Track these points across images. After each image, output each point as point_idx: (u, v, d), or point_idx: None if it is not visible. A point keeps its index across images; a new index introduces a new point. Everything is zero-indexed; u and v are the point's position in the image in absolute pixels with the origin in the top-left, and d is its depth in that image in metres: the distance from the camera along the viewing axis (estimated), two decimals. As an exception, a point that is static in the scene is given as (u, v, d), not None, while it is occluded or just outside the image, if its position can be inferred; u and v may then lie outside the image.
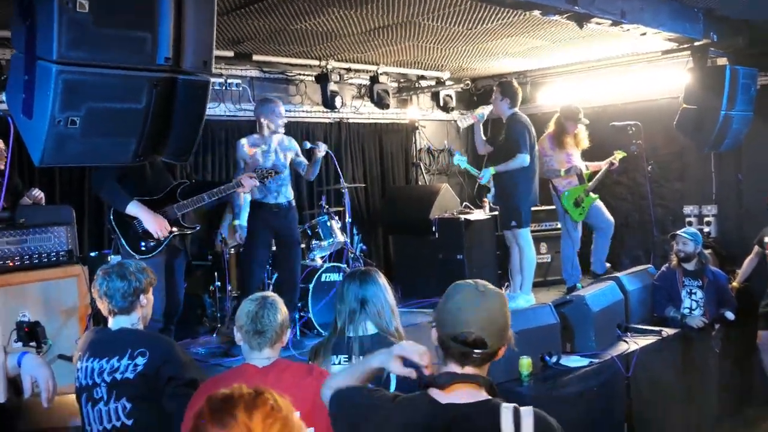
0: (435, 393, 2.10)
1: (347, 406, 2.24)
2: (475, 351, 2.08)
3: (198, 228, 5.39)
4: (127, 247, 4.82)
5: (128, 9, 2.96)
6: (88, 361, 3.07)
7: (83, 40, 2.81)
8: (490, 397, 2.10)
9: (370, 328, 3.21)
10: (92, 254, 5.78)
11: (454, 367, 2.12)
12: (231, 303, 6.86)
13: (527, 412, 1.98)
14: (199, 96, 3.29)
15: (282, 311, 2.89)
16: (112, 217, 4.87)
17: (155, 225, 4.86)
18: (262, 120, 6.07)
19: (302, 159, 6.30)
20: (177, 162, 3.59)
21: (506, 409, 1.99)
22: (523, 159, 6.75)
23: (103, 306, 3.17)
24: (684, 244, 6.20)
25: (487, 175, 6.99)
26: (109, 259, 5.31)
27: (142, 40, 3.01)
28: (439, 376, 2.11)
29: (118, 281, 3.11)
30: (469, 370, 2.11)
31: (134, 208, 4.83)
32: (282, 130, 6.12)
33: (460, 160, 7.30)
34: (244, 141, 6.08)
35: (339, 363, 3.10)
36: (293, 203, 6.25)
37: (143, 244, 4.89)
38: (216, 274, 6.69)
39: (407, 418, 2.09)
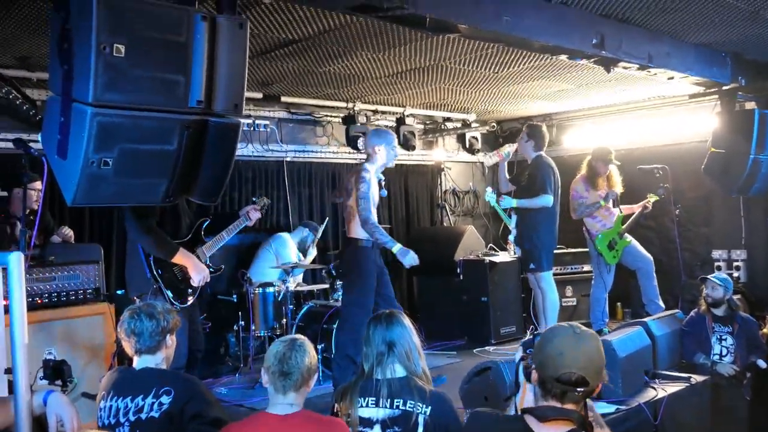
0: (531, 421, 2.32)
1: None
2: (577, 390, 2.29)
3: (223, 269, 5.40)
4: (171, 298, 4.70)
5: (162, 53, 3.01)
6: (111, 400, 3.06)
7: (118, 83, 2.87)
8: (576, 428, 2.28)
9: (399, 371, 3.18)
10: (119, 292, 5.81)
11: (553, 403, 2.33)
12: (255, 342, 6.87)
13: None
14: (230, 138, 3.33)
15: (311, 355, 2.86)
16: (153, 265, 4.73)
17: (199, 275, 4.79)
18: (381, 151, 5.73)
19: None
20: (206, 203, 3.61)
21: None
22: (548, 199, 6.73)
23: (128, 345, 3.17)
24: (713, 288, 6.10)
25: (507, 203, 6.94)
26: (135, 299, 5.33)
27: (175, 83, 3.06)
28: (539, 408, 2.34)
29: (147, 320, 3.12)
30: (568, 406, 2.32)
31: (181, 257, 4.71)
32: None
33: (491, 197, 7.27)
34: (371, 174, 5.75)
35: (366, 405, 3.07)
36: None
37: (184, 292, 4.83)
38: (240, 312, 6.69)
39: None
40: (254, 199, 5.67)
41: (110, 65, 2.84)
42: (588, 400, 2.41)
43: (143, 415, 2.98)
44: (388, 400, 3.09)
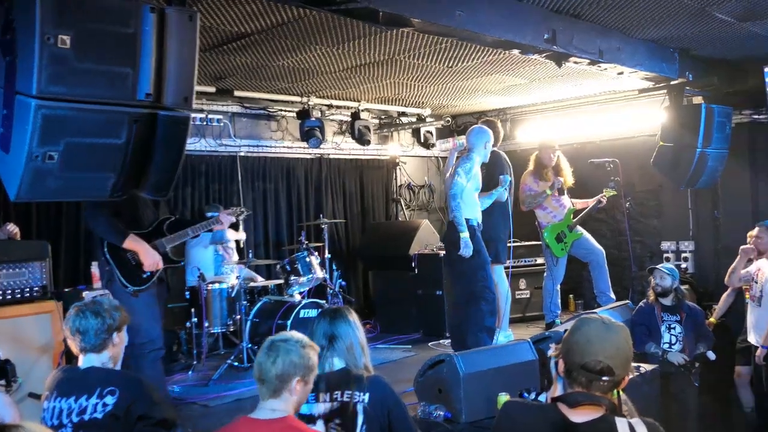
0: (563, 408, 2.32)
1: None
2: (603, 378, 2.28)
3: (183, 262, 5.36)
4: (123, 280, 4.74)
5: (110, 45, 2.96)
6: (55, 401, 2.98)
7: (64, 75, 2.81)
8: (607, 413, 2.29)
9: (337, 364, 3.19)
10: (67, 290, 5.69)
11: (580, 390, 2.33)
12: (208, 339, 6.80)
13: (639, 423, 2.27)
14: (180, 132, 3.28)
15: (290, 359, 2.69)
16: (106, 250, 4.76)
17: (150, 259, 4.80)
18: (485, 147, 6.29)
19: None
20: (157, 197, 3.56)
21: (621, 422, 2.26)
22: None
23: (73, 344, 3.09)
24: (662, 278, 6.23)
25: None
26: (83, 296, 5.23)
27: (123, 76, 3.01)
28: (569, 394, 2.34)
29: (93, 318, 3.04)
30: (596, 394, 2.32)
31: (131, 242, 4.75)
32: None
33: None
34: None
35: (307, 402, 3.05)
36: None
37: (137, 276, 4.82)
38: (193, 309, 6.62)
39: (538, 422, 2.37)
40: (233, 209, 5.79)
41: (55, 57, 2.79)
42: (623, 393, 2.42)
43: (86, 416, 2.90)
44: (328, 393, 3.10)
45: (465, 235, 5.91)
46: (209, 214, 6.94)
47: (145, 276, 4.82)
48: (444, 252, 6.38)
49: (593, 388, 2.31)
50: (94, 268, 5.83)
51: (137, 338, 4.60)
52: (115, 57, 2.96)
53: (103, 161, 3.08)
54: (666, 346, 6.15)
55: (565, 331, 2.53)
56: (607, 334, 2.34)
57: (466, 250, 5.94)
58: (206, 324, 6.64)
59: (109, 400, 2.93)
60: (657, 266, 6.36)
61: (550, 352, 2.56)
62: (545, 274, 7.60)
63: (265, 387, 2.69)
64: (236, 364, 6.42)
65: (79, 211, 6.57)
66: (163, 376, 4.99)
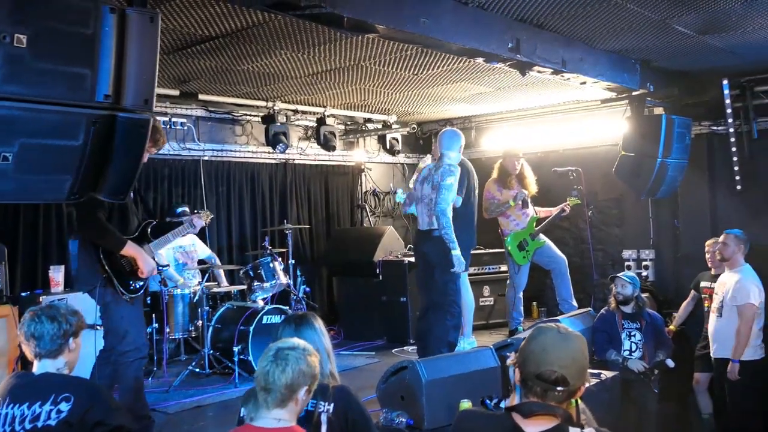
0: (517, 417, 2.31)
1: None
2: (557, 388, 2.27)
3: (169, 266, 5.26)
4: (120, 287, 4.60)
5: (68, 44, 2.91)
6: (7, 407, 2.91)
7: (19, 74, 2.76)
8: (561, 423, 2.28)
9: None
10: (24, 294, 5.58)
11: (535, 400, 2.32)
12: (169, 345, 6.71)
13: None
14: (140, 134, 3.24)
15: (298, 367, 2.64)
16: (102, 256, 4.59)
17: (148, 266, 4.70)
18: (459, 151, 6.16)
19: None
20: (114, 200, 3.50)
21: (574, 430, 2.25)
22: (457, 200, 6.84)
23: (28, 349, 3.02)
24: (623, 286, 6.31)
25: (399, 196, 7.33)
26: (40, 301, 5.13)
27: (81, 77, 2.96)
28: (524, 404, 2.33)
29: (48, 323, 2.98)
30: (551, 402, 2.31)
31: (130, 249, 4.62)
32: None
33: (401, 198, 7.34)
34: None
35: None
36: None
37: (132, 283, 4.70)
38: (153, 315, 6.53)
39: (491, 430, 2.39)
40: (197, 210, 5.70)
41: (11, 56, 2.73)
42: (581, 402, 2.39)
43: (39, 423, 2.84)
44: None
45: (457, 252, 5.86)
46: (178, 210, 6.91)
47: (139, 283, 4.74)
48: (414, 260, 6.32)
49: (548, 398, 2.29)
50: (53, 272, 5.73)
51: (123, 345, 4.57)
52: (74, 57, 2.91)
53: (60, 163, 3.02)
54: (626, 353, 6.22)
55: (514, 340, 2.53)
56: (563, 344, 2.32)
57: (460, 266, 5.91)
58: (167, 330, 6.56)
59: (64, 406, 2.87)
60: (618, 275, 6.44)
61: (509, 361, 2.54)
62: (508, 282, 7.64)
63: (270, 396, 2.61)
64: (198, 370, 6.35)
65: (38, 214, 6.45)
66: (143, 387, 4.88)
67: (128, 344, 4.56)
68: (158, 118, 6.97)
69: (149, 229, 4.96)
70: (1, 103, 2.72)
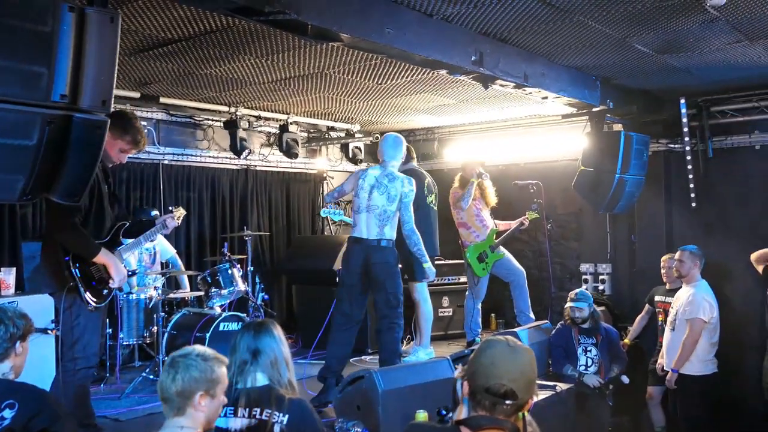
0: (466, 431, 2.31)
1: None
2: (506, 402, 2.27)
3: (137, 271, 5.13)
4: (87, 296, 4.44)
5: (24, 42, 2.86)
6: None
7: (-29, 71, 2.69)
8: None
9: (260, 380, 3.12)
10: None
11: (483, 414, 2.31)
12: (123, 351, 6.60)
13: None
14: (96, 135, 3.18)
15: (190, 374, 2.61)
16: (71, 262, 4.44)
17: (119, 275, 4.58)
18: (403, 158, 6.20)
19: None
20: (68, 202, 3.42)
21: None
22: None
23: (-28, 352, 2.95)
24: (580, 311, 6.36)
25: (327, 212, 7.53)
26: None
27: (37, 75, 2.91)
28: (472, 417, 2.32)
29: (-7, 325, 2.91)
30: (499, 414, 2.32)
31: (102, 257, 4.49)
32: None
33: (332, 214, 7.44)
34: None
35: (224, 415, 2.98)
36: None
37: (98, 291, 4.56)
38: (108, 320, 6.40)
39: None
40: (170, 208, 5.51)
41: (-37, 52, 2.66)
42: (528, 415, 2.38)
43: None
44: (246, 409, 3.03)
45: (428, 264, 5.95)
46: (152, 213, 6.78)
47: (105, 291, 4.61)
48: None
49: (497, 412, 2.30)
50: (3, 275, 5.59)
51: (73, 351, 4.41)
52: (30, 55, 2.86)
53: (12, 163, 2.95)
54: (582, 368, 6.29)
55: (471, 351, 2.53)
56: (512, 357, 2.33)
57: (432, 276, 6.09)
58: (121, 335, 6.44)
59: (7, 413, 2.80)
60: (572, 304, 6.42)
61: (456, 374, 2.54)
62: (467, 293, 7.68)
63: (168, 405, 2.61)
64: (151, 377, 6.24)
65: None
66: (88, 395, 4.72)
67: (78, 351, 4.43)
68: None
69: (121, 232, 4.85)
70: (-48, 99, 2.65)
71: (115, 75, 3.20)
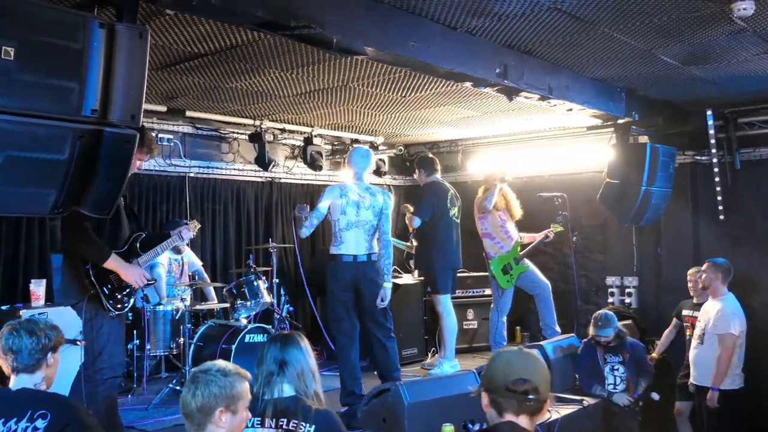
0: None
1: None
2: (530, 397, 2.30)
3: (156, 281, 5.22)
4: (107, 303, 4.54)
5: (56, 58, 2.90)
6: None
7: (5, 87, 2.75)
8: None
9: (287, 390, 3.13)
10: (4, 308, 5.50)
11: (510, 417, 2.34)
12: (150, 362, 6.65)
13: None
14: (125, 149, 3.22)
15: (209, 390, 2.60)
16: (91, 271, 4.54)
17: (132, 276, 4.64)
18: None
19: None
20: (98, 216, 3.47)
21: None
22: (414, 221, 6.90)
23: (5, 363, 2.99)
24: (605, 335, 6.28)
25: None
26: (20, 315, 5.07)
27: (68, 90, 2.95)
28: (501, 424, 2.35)
29: (27, 337, 2.95)
30: (523, 420, 2.33)
31: (112, 262, 4.56)
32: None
33: None
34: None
35: (252, 426, 2.99)
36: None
37: (116, 298, 4.64)
38: (135, 331, 6.47)
39: None
40: (185, 221, 5.62)
41: (-3, 68, 2.72)
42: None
43: None
44: (273, 420, 3.04)
45: (390, 285, 5.75)
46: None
47: (124, 298, 4.68)
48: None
49: (522, 410, 2.33)
50: (33, 286, 5.66)
51: (99, 362, 4.49)
52: (61, 71, 2.91)
53: (44, 177, 3.00)
54: (611, 387, 6.23)
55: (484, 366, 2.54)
56: (526, 357, 2.41)
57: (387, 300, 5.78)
58: (148, 346, 6.50)
59: (40, 423, 2.83)
60: (595, 327, 6.31)
61: (472, 393, 2.56)
62: (491, 306, 7.64)
63: (189, 421, 2.61)
64: (178, 388, 6.27)
65: (20, 227, 6.40)
66: (116, 405, 4.78)
67: (103, 362, 4.50)
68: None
69: (138, 243, 4.91)
70: (-13, 115, 2.71)
71: (144, 89, 3.24)
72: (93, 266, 4.56)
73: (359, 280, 5.65)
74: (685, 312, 6.83)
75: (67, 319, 5.02)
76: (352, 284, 5.66)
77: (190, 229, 5.29)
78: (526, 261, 7.52)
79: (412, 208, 7.32)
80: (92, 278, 4.53)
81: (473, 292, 8.42)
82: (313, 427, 3.03)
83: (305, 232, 5.80)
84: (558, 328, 7.51)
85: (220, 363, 2.73)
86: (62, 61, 2.90)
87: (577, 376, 6.45)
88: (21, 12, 2.77)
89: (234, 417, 2.65)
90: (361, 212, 5.70)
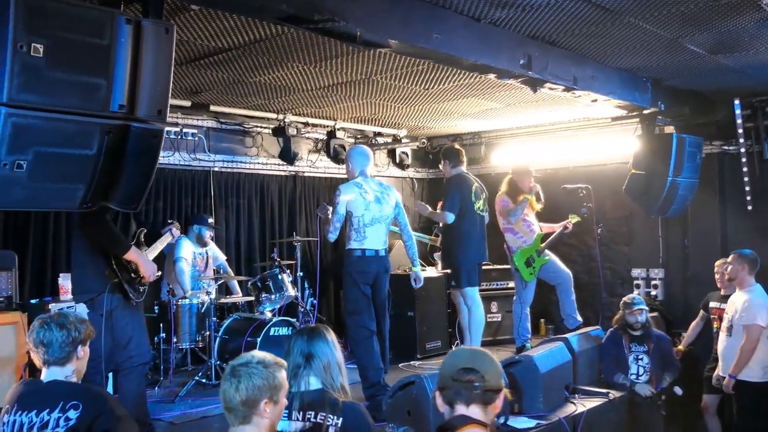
0: None
1: None
2: (476, 384, 2.36)
3: (160, 274, 5.36)
4: (131, 291, 4.70)
5: (84, 55, 2.93)
6: (15, 414, 2.92)
7: (35, 83, 2.78)
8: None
9: (314, 383, 3.15)
10: (33, 301, 5.60)
11: (462, 410, 2.39)
12: (176, 355, 6.72)
13: None
14: (153, 145, 3.26)
15: (252, 382, 2.60)
16: (113, 262, 4.67)
17: (149, 270, 4.81)
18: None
19: None
20: (126, 210, 3.51)
21: None
22: (447, 216, 6.85)
23: (37, 356, 3.04)
24: (640, 314, 6.26)
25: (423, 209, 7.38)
26: (49, 308, 5.15)
27: (96, 87, 2.98)
28: (448, 420, 2.41)
29: (57, 330, 2.99)
30: (474, 410, 2.38)
31: (132, 253, 4.70)
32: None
33: None
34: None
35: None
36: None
37: (136, 287, 4.80)
38: (161, 324, 6.53)
39: None
40: (170, 221, 6.29)
41: (27, 65, 2.76)
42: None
43: (47, 431, 2.85)
44: (300, 412, 3.06)
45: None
46: (194, 226, 7.07)
47: (142, 288, 4.85)
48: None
49: (472, 400, 2.39)
50: (62, 280, 5.75)
51: (127, 350, 4.63)
52: (89, 67, 2.94)
53: (73, 172, 3.04)
54: (633, 376, 6.20)
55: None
56: (473, 351, 2.55)
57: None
58: (174, 339, 6.56)
59: (72, 414, 2.88)
60: (635, 303, 6.33)
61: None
62: (514, 298, 7.62)
63: (233, 415, 2.61)
64: (204, 380, 6.34)
65: (47, 222, 6.48)
66: (146, 394, 4.93)
67: (132, 350, 4.62)
68: (169, 128, 7.03)
69: (142, 237, 5.12)
70: (18, 111, 2.74)
71: (171, 85, 3.26)
72: (115, 257, 4.67)
73: (380, 273, 5.75)
74: (712, 304, 6.75)
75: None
76: (375, 278, 5.73)
77: (176, 228, 6.08)
78: (548, 252, 7.48)
79: (429, 208, 7.32)
80: (113, 267, 4.63)
81: (497, 284, 8.40)
82: (341, 419, 3.04)
83: (332, 236, 5.82)
84: (579, 317, 7.46)
85: (258, 354, 2.73)
86: (90, 57, 2.93)
87: (600, 368, 6.42)
88: (49, 10, 2.80)
89: (276, 407, 2.67)
90: (383, 207, 5.75)
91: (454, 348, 2.60)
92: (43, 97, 2.82)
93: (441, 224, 7.18)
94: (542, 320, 8.78)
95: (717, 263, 6.76)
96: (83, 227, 4.62)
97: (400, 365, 7.41)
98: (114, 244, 4.63)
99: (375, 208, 5.70)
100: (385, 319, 5.93)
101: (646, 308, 6.29)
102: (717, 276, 6.71)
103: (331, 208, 5.80)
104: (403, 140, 9.49)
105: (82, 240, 4.71)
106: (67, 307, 5.23)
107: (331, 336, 3.29)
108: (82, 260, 4.74)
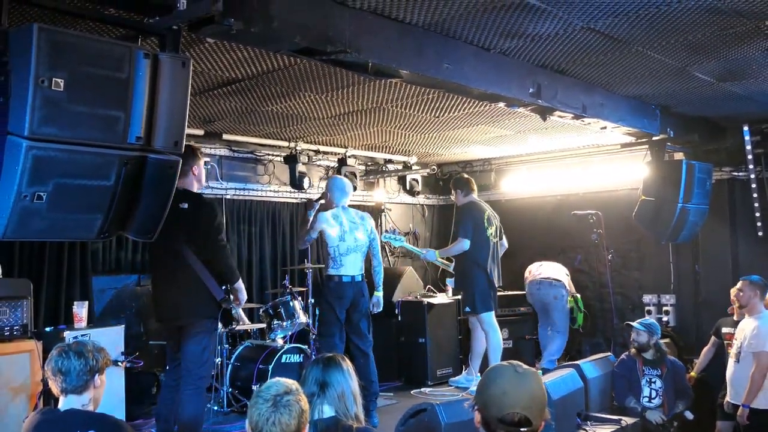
0: None
1: None
2: (521, 430, 2.29)
3: None
4: (245, 317, 5.06)
5: (103, 88, 3.00)
6: None
7: (56, 117, 2.84)
8: None
9: (327, 411, 3.17)
10: (48, 329, 5.64)
11: None
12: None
13: None
14: (169, 175, 3.31)
15: (300, 407, 2.59)
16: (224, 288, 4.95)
17: (244, 296, 5.08)
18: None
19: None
20: (143, 239, 3.56)
21: None
22: (463, 244, 6.94)
23: (54, 384, 3.07)
24: (638, 334, 6.27)
25: (431, 255, 7.52)
26: (63, 336, 5.19)
27: (114, 119, 3.04)
28: None
29: (75, 359, 3.03)
30: None
31: (241, 283, 5.04)
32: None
33: (393, 239, 7.59)
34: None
35: None
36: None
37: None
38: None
39: None
40: None
41: (48, 99, 2.81)
42: None
43: None
44: None
45: (381, 293, 6.48)
46: None
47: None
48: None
49: None
50: (76, 308, 5.80)
51: (202, 371, 4.82)
52: (108, 100, 3.00)
53: (92, 202, 3.09)
54: (645, 400, 6.17)
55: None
56: (521, 382, 2.36)
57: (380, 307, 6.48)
58: (186, 367, 6.57)
59: None
60: (633, 323, 6.40)
61: (466, 403, 2.57)
62: (550, 328, 7.79)
63: None
64: (216, 408, 6.36)
65: (62, 250, 6.53)
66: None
67: (206, 371, 4.85)
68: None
69: None
70: (39, 144, 2.80)
71: (187, 116, 3.33)
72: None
73: (357, 296, 6.23)
74: (724, 330, 6.72)
75: (108, 340, 5.16)
76: (351, 302, 6.22)
77: None
78: None
79: (436, 252, 7.60)
80: (229, 297, 4.93)
81: (509, 310, 8.39)
82: None
83: (301, 246, 6.70)
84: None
85: (289, 382, 2.70)
86: (109, 90, 3.00)
87: (613, 394, 6.39)
88: (71, 45, 2.87)
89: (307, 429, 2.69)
90: (357, 237, 6.27)
91: (497, 365, 2.46)
92: (63, 130, 2.87)
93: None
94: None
95: (732, 291, 6.74)
96: (205, 254, 4.84)
97: (411, 392, 7.40)
98: (232, 272, 4.95)
99: (350, 238, 6.24)
100: (366, 338, 6.27)
101: (647, 331, 6.26)
102: (734, 304, 6.68)
103: (317, 205, 6.33)
104: (414, 167, 9.55)
105: (199, 266, 4.86)
106: (82, 335, 5.28)
107: (347, 365, 3.32)
108: (203, 282, 4.87)
